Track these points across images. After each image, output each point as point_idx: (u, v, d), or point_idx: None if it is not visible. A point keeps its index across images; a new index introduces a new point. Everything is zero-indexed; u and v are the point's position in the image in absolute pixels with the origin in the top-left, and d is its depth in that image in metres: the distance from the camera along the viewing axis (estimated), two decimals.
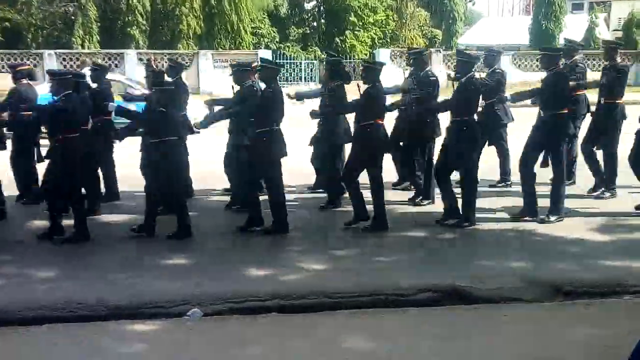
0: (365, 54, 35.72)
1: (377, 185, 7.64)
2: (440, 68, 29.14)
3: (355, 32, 39.26)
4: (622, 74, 8.86)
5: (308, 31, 41.51)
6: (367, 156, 7.59)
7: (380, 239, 7.48)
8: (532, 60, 30.86)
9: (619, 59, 9.14)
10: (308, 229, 7.79)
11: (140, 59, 27.36)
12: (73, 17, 30.01)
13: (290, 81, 28.49)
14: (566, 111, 7.72)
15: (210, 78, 27.80)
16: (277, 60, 28.26)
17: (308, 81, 28.11)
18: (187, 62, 28.25)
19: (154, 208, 7.54)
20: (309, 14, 43.77)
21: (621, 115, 8.82)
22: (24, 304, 5.47)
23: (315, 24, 43.04)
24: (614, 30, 49.51)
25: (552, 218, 7.78)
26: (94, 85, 8.78)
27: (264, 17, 37.87)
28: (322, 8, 42.74)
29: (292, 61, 29.39)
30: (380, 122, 7.53)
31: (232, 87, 8.19)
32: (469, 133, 7.56)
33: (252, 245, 7.32)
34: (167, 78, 8.24)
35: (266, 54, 28.01)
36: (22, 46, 29.27)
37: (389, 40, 40.83)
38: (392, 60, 28.67)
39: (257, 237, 7.49)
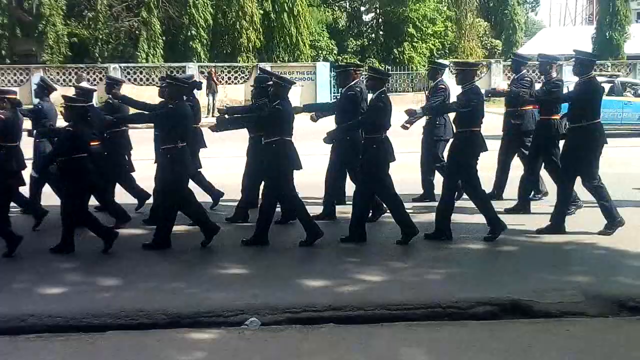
0: (424, 66, 35.53)
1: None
2: (501, 78, 28.75)
3: (414, 44, 39.09)
4: (557, 88, 8.59)
5: (366, 43, 41.56)
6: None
7: (436, 250, 7.42)
8: (595, 70, 30.08)
9: (554, 74, 8.88)
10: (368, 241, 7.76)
11: (202, 72, 27.90)
12: (138, 32, 30.86)
13: None
14: (476, 129, 7.52)
15: None
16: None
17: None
18: (247, 75, 28.68)
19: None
20: (367, 26, 43.85)
21: (556, 131, 8.56)
22: (88, 312, 5.63)
23: (373, 35, 43.07)
24: None
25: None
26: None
27: (323, 30, 38.12)
28: (380, 20, 42.77)
29: None
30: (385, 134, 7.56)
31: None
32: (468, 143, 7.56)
33: (309, 256, 7.36)
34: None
35: (325, 67, 28.19)
36: (89, 60, 30.24)
37: (447, 51, 40.51)
38: (451, 72, 28.41)
39: (313, 248, 7.52)
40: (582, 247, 7.36)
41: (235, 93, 28.26)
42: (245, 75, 28.83)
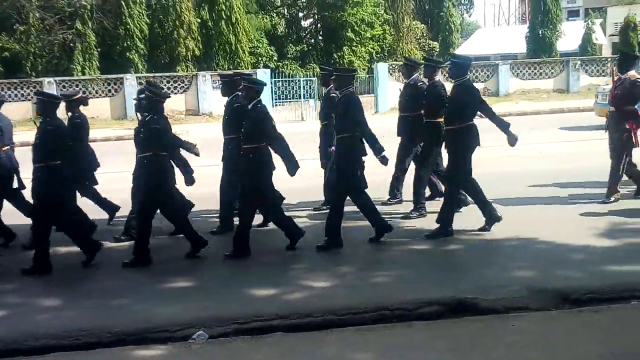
0: (364, 69, 35.83)
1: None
2: (439, 78, 29.23)
3: (353, 48, 39.39)
4: (441, 91, 8.70)
5: (306, 48, 41.66)
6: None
7: (382, 252, 7.47)
8: (530, 68, 30.92)
9: (437, 77, 9.11)
10: (311, 247, 7.74)
11: (140, 83, 27.47)
12: (72, 44, 30.17)
13: (289, 99, 28.56)
14: (347, 135, 7.53)
15: (210, 99, 27.92)
16: (277, 79, 28.39)
17: (307, 98, 28.16)
18: (186, 84, 28.39)
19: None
20: (306, 32, 43.96)
21: (437, 135, 8.50)
22: (29, 334, 5.45)
23: (312, 41, 43.21)
24: (611, 35, 49.61)
25: None
26: None
27: (262, 37, 38.01)
28: (319, 25, 42.94)
29: (290, 79, 29.46)
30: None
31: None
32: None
33: (256, 265, 7.30)
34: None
35: (265, 74, 28.12)
36: (22, 75, 29.40)
37: (386, 54, 40.94)
38: (391, 74, 28.74)
39: (260, 257, 7.47)
40: (524, 242, 7.50)
41: (176, 103, 27.91)
42: (185, 85, 28.50)
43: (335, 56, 38.58)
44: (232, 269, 7.23)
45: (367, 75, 32.74)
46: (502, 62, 32.08)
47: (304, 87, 28.41)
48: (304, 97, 27.56)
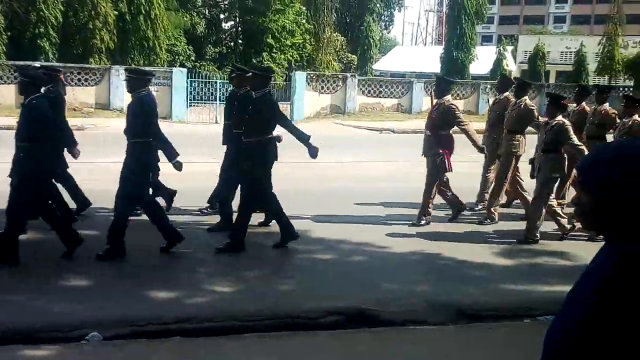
0: (282, 76, 35.88)
1: None
2: (355, 92, 29.66)
3: (273, 54, 39.42)
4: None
5: (225, 51, 41.34)
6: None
7: (287, 260, 7.48)
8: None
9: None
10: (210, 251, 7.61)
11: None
12: None
13: (205, 100, 28.21)
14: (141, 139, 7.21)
15: (122, 94, 27.22)
16: (193, 79, 28.00)
17: (223, 101, 27.88)
18: (98, 77, 27.57)
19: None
20: (227, 34, 43.66)
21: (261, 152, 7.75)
22: None
23: (232, 44, 42.94)
24: (521, 62, 51.93)
25: None
26: None
27: (180, 35, 37.45)
28: (239, 29, 42.73)
29: (207, 80, 29.12)
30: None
31: None
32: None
33: (160, 266, 7.15)
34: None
35: (182, 72, 27.70)
36: None
37: (305, 63, 41.19)
38: (308, 84, 28.92)
39: (164, 258, 7.32)
40: (427, 257, 7.70)
41: (85, 95, 27.03)
42: (97, 77, 27.64)
43: (255, 61, 38.41)
44: (135, 269, 6.99)
45: (285, 83, 32.80)
46: (416, 80, 32.90)
47: (220, 89, 28.13)
48: (219, 100, 27.26)
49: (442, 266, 7.43)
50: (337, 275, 7.08)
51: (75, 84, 26.85)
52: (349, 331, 5.50)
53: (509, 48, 51.07)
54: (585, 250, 7.36)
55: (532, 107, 9.36)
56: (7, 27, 29.41)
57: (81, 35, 31.14)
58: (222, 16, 43.62)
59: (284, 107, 24.90)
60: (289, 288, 6.54)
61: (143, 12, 31.92)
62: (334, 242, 7.98)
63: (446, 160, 8.83)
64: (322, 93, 29.41)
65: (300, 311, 5.76)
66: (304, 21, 42.00)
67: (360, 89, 30.41)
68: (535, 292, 6.54)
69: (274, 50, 39.63)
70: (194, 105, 27.67)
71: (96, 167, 11.66)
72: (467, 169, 10.31)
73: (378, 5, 50.85)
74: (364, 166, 14.53)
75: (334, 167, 13.69)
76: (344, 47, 47.58)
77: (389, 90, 30.93)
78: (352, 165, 14.68)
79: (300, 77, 29.00)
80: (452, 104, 9.05)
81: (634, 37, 47.92)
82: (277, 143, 7.75)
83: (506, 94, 10.05)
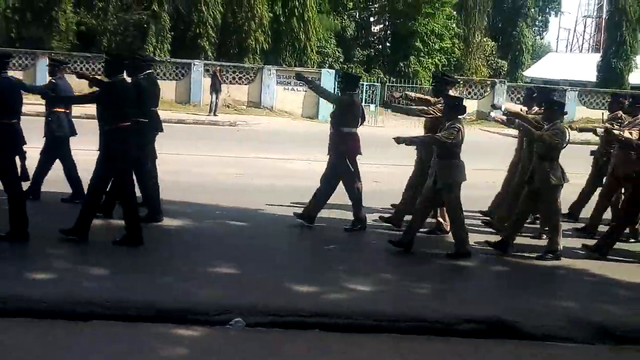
0: (428, 80, 35.59)
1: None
2: (504, 98, 28.85)
3: (420, 58, 39.19)
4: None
5: (373, 54, 41.64)
6: None
7: (427, 265, 7.44)
8: (598, 97, 30.27)
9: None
10: (352, 249, 7.74)
11: (207, 70, 27.93)
12: (146, 25, 30.86)
13: None
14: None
15: (272, 93, 28.23)
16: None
17: (369, 103, 28.14)
18: (252, 76, 28.71)
19: None
20: (375, 37, 43.95)
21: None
22: (76, 299, 5.60)
23: (380, 47, 43.16)
24: None
25: None
26: None
27: (330, 37, 38.17)
28: (388, 32, 42.87)
29: None
30: None
31: None
32: None
33: (301, 260, 7.36)
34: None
35: (329, 73, 28.25)
36: (95, 50, 30.20)
37: (453, 68, 40.62)
38: (455, 89, 28.45)
39: (307, 252, 7.52)
40: (572, 272, 7.37)
41: (239, 93, 28.28)
42: (250, 77, 28.84)
43: (401, 64, 38.46)
44: (278, 262, 7.25)
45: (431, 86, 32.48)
46: (570, 88, 31.48)
47: (366, 91, 28.39)
48: (365, 102, 27.54)
49: (586, 282, 7.10)
50: (476, 283, 6.96)
51: (230, 82, 28.14)
52: (487, 341, 5.41)
53: None
54: None
55: None
56: (172, 27, 31.33)
57: (238, 36, 32.54)
58: (372, 19, 43.98)
59: None
60: (426, 292, 6.51)
61: (296, 14, 32.90)
62: (473, 249, 7.84)
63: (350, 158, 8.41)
64: (469, 98, 28.87)
65: (437, 316, 5.72)
66: (454, 25, 41.43)
67: (509, 95, 29.54)
68: None
69: (422, 55, 39.39)
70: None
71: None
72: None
73: (533, 10, 49.17)
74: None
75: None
76: (494, 52, 46.44)
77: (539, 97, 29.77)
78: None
79: None
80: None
81: None
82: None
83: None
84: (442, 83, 8.88)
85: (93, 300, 5.62)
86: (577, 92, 30.38)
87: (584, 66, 44.47)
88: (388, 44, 42.70)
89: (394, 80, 31.21)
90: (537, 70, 49.93)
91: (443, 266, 7.42)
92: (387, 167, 13.63)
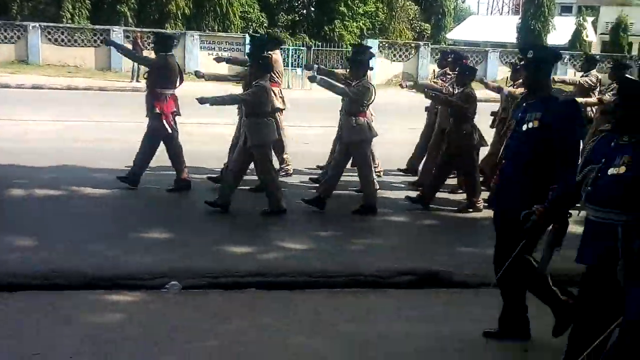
0: (354, 44, 35.64)
1: None
2: (428, 61, 29.23)
3: (345, 22, 39.15)
4: None
5: (297, 18, 41.29)
6: None
7: (362, 222, 7.49)
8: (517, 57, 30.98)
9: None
10: (290, 210, 7.71)
11: (127, 36, 27.11)
12: None
13: None
14: None
15: (196, 59, 27.65)
16: None
17: (295, 67, 27.96)
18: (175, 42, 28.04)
19: None
20: (299, 2, 43.56)
21: None
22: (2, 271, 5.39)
23: (304, 11, 42.83)
24: (601, 34, 49.86)
25: None
26: None
27: (254, 2, 37.62)
28: None
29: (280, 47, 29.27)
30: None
31: None
32: None
33: (235, 223, 7.30)
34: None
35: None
36: (5, 17, 28.76)
37: (377, 31, 40.76)
38: (381, 52, 28.63)
39: (242, 217, 7.44)
40: None
41: None
42: (173, 43, 28.21)
43: (326, 29, 38.33)
44: (211, 224, 7.15)
45: None
46: (492, 50, 32.16)
47: (292, 55, 28.19)
48: (291, 66, 27.34)
49: None
50: (410, 237, 7.07)
51: (152, 48, 27.41)
52: (422, 290, 5.52)
53: (589, 19, 49.09)
54: None
55: None
56: None
57: (158, 1, 31.68)
58: None
59: None
60: (362, 248, 6.58)
61: None
62: (403, 205, 7.97)
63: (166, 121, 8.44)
64: (394, 61, 29.12)
65: (372, 270, 5.80)
66: None
67: (433, 57, 29.92)
68: None
69: (347, 18, 39.33)
70: None
71: None
72: None
73: None
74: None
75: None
76: (417, 15, 46.81)
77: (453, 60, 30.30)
78: None
79: (372, 45, 28.74)
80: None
81: None
82: None
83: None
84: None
85: (19, 271, 5.44)
86: (498, 52, 31.04)
87: (505, 28, 45.44)
88: (312, 9, 42.40)
89: (320, 44, 31.05)
90: (460, 33, 50.75)
91: (378, 223, 7.49)
92: (314, 128, 13.62)
